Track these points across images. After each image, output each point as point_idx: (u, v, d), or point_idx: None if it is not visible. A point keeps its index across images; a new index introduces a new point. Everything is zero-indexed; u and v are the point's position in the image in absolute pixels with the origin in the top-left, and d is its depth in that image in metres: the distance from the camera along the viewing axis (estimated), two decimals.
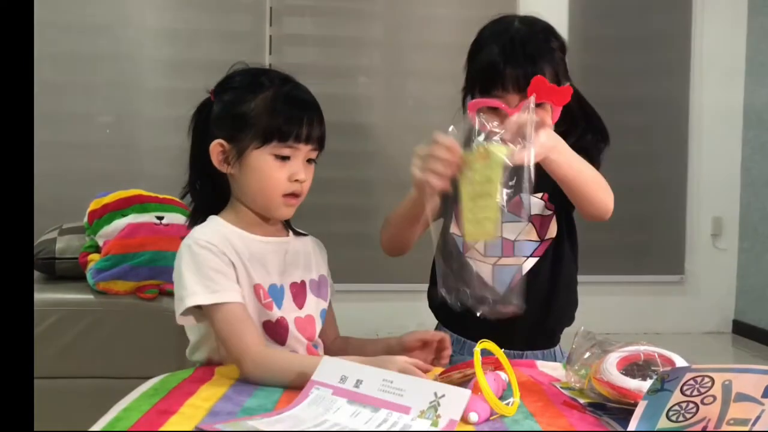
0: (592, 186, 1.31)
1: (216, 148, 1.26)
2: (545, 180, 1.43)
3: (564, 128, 1.44)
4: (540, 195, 1.44)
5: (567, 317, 1.51)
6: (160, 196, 2.42)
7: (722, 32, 4.01)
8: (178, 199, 2.32)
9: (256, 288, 1.25)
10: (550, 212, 1.45)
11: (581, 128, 1.44)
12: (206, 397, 1.05)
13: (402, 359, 1.11)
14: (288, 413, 0.97)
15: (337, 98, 3.65)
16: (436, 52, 3.69)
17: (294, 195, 1.27)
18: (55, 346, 2.13)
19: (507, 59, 1.32)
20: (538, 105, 1.34)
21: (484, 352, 1.03)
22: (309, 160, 1.29)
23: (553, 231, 1.45)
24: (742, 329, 4.05)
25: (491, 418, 0.97)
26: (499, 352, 1.05)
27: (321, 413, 0.96)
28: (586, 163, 1.33)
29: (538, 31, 1.39)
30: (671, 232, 4.09)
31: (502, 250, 1.41)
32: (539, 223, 1.44)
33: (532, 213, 1.43)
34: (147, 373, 1.23)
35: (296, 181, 1.26)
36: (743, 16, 4.03)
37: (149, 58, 3.55)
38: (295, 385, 1.07)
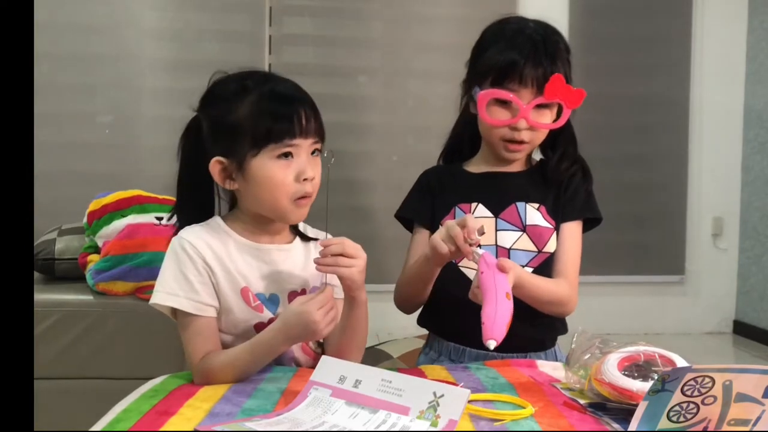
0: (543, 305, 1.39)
1: (215, 166, 1.21)
2: (541, 192, 1.46)
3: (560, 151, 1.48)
4: (536, 205, 1.45)
5: (557, 329, 1.49)
6: (160, 197, 2.42)
7: (722, 32, 4.01)
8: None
9: (243, 291, 1.22)
10: (549, 225, 1.44)
11: (569, 158, 1.48)
12: (206, 398, 1.05)
13: (296, 303, 1.14)
14: (286, 415, 0.96)
15: (336, 98, 3.65)
16: (436, 52, 3.69)
17: (305, 196, 1.21)
18: (55, 346, 2.13)
19: (528, 56, 1.35)
20: (544, 106, 1.36)
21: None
22: (314, 152, 1.22)
23: (552, 245, 1.44)
24: (742, 329, 4.04)
25: (495, 424, 0.96)
26: None
27: (319, 414, 0.96)
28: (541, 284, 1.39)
29: (553, 33, 1.42)
30: (671, 232, 4.08)
31: (497, 258, 1.41)
32: (537, 233, 1.43)
33: (528, 223, 1.43)
34: (147, 373, 1.23)
35: (305, 180, 1.19)
36: (743, 16, 4.03)
37: (149, 58, 3.55)
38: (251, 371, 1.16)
